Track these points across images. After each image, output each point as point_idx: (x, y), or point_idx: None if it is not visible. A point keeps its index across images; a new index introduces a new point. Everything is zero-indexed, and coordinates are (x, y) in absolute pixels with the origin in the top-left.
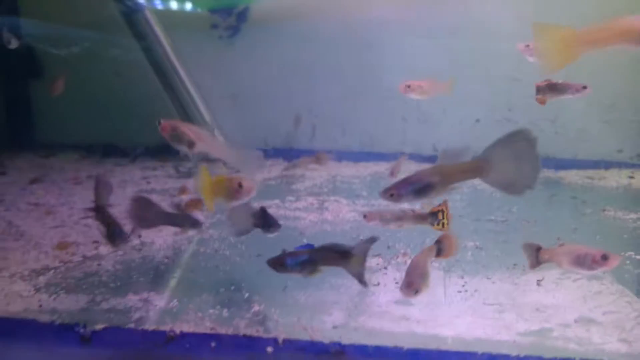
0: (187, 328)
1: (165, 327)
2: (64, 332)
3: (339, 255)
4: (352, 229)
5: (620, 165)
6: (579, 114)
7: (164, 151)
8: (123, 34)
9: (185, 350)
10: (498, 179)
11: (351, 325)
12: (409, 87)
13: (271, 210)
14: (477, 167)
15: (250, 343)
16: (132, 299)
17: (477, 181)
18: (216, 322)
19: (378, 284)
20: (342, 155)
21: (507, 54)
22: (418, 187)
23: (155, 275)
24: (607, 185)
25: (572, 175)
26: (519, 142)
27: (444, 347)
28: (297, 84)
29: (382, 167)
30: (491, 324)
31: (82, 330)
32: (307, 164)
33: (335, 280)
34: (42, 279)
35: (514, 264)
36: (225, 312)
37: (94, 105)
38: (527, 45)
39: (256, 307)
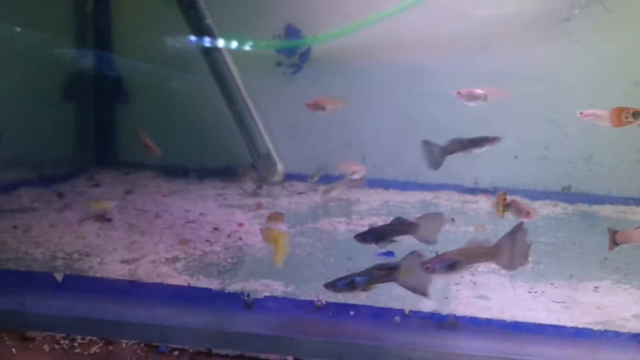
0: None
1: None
2: (230, 299)
3: (387, 272)
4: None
5: None
6: (612, 153)
7: (227, 173)
8: (200, 68)
9: (329, 317)
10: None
11: (444, 311)
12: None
13: (342, 226)
14: (491, 253)
15: (382, 312)
16: (254, 284)
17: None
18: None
19: (459, 283)
20: (389, 184)
21: (546, 96)
22: (448, 264)
23: (265, 268)
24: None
25: (606, 210)
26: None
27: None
28: (350, 117)
29: (427, 196)
30: (562, 316)
31: (246, 298)
32: (344, 187)
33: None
34: (179, 265)
35: (571, 275)
36: (340, 297)
37: (171, 131)
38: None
39: (363, 295)
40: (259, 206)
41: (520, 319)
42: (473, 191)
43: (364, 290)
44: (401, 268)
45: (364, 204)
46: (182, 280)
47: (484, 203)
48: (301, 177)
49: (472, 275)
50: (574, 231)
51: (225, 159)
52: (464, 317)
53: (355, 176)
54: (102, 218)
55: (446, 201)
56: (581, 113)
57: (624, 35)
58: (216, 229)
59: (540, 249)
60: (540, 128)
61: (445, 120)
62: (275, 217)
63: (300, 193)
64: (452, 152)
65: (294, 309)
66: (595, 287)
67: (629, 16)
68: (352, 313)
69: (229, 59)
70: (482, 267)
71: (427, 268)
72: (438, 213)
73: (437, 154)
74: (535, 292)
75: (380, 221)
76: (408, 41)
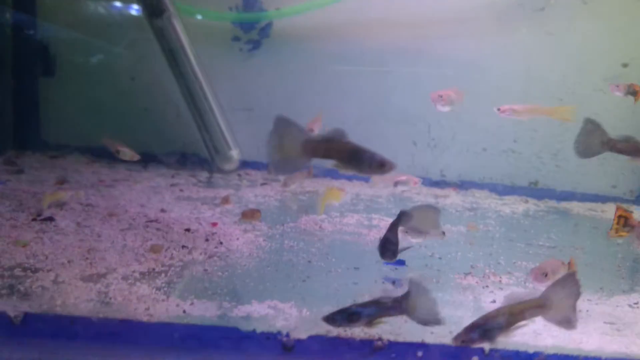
0: (378, 336)
1: (370, 337)
2: (265, 340)
3: (395, 303)
4: (419, 247)
5: (615, 200)
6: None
7: (175, 159)
8: (145, 39)
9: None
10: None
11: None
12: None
13: (327, 225)
14: (540, 306)
15: (457, 352)
16: (260, 307)
17: (498, 206)
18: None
19: (494, 301)
20: (353, 176)
21: (515, 90)
22: (485, 329)
23: (267, 283)
24: (612, 217)
25: (575, 207)
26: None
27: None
28: (311, 102)
29: (397, 189)
30: (619, 341)
31: (284, 339)
32: (302, 179)
33: (442, 295)
34: (159, 282)
35: (600, 288)
36: (406, 334)
37: (106, 108)
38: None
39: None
40: (225, 200)
41: (585, 349)
42: (440, 184)
43: (368, 325)
44: (411, 298)
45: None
46: (172, 304)
47: (455, 197)
48: (257, 165)
49: (501, 289)
50: (564, 233)
51: (172, 143)
52: (558, 356)
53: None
54: (40, 217)
55: (417, 195)
56: (498, 109)
57: (598, 27)
58: (188, 230)
59: (546, 253)
60: (509, 121)
61: (414, 108)
62: (251, 214)
63: (262, 184)
64: None
65: (346, 350)
66: (635, 304)
67: (604, 8)
68: (419, 354)
69: (180, 30)
70: (504, 279)
71: (463, 342)
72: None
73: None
74: (579, 310)
75: (364, 219)
76: (377, 21)
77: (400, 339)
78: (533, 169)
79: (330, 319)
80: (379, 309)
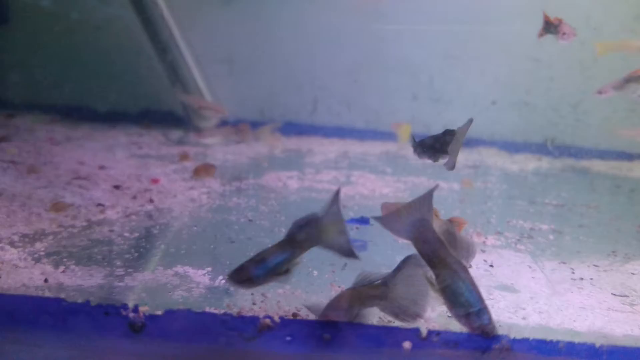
0: (267, 314)
1: (253, 312)
2: (103, 316)
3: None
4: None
5: None
6: (603, 101)
7: (147, 117)
8: None
9: (286, 343)
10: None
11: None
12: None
13: (294, 182)
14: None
15: (378, 336)
16: (164, 274)
17: (505, 164)
18: (292, 306)
19: (470, 265)
20: (346, 133)
21: (529, 34)
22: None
23: (184, 245)
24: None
25: (597, 165)
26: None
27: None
28: (299, 51)
29: (390, 146)
30: (631, 318)
31: (131, 315)
32: (227, 135)
33: None
34: (39, 246)
35: (613, 251)
36: (298, 292)
37: (70, 62)
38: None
39: (335, 288)
40: (184, 157)
41: (586, 331)
42: None
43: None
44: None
45: (318, 155)
46: (35, 272)
47: (459, 155)
48: (238, 123)
49: (483, 251)
50: (578, 191)
51: (144, 100)
52: (524, 342)
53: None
54: None
55: (414, 154)
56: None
57: None
58: (117, 187)
59: (551, 212)
60: (522, 69)
61: (414, 59)
62: (203, 169)
63: (239, 142)
64: None
65: (222, 331)
66: None
67: None
68: (327, 337)
69: None
70: (491, 240)
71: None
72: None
73: None
74: (581, 278)
75: (341, 176)
76: None
77: (294, 317)
78: (549, 123)
79: (240, 277)
80: (290, 249)
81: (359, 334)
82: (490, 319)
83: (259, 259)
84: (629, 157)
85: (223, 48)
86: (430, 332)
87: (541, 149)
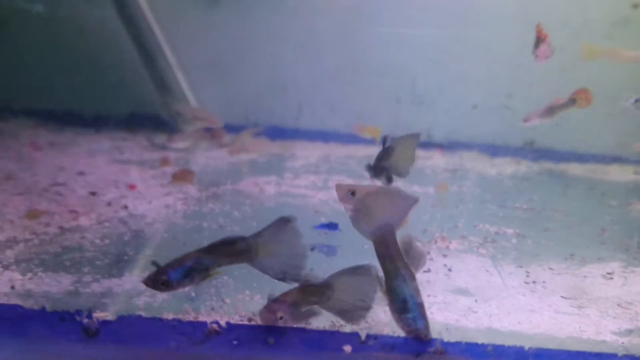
0: (224, 319)
1: (204, 318)
2: (58, 322)
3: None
4: None
5: (621, 161)
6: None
7: (132, 121)
8: None
9: (232, 347)
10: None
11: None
12: None
13: (271, 187)
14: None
15: (321, 339)
16: (130, 280)
17: (484, 168)
18: (249, 311)
19: (429, 270)
20: (330, 136)
21: (510, 38)
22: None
23: (154, 252)
24: (615, 179)
25: (574, 168)
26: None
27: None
28: (283, 55)
29: (373, 150)
30: (577, 321)
31: (85, 321)
32: (200, 139)
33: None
34: (9, 253)
35: (571, 254)
36: (257, 298)
37: (54, 66)
38: None
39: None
40: (164, 162)
41: (530, 333)
42: (425, 145)
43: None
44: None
45: (300, 160)
46: (3, 279)
47: (439, 159)
48: (225, 127)
49: (444, 256)
50: (550, 194)
51: (129, 104)
52: (457, 345)
53: None
54: None
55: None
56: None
57: None
58: (93, 193)
59: (519, 216)
60: (503, 73)
61: (397, 62)
62: (182, 176)
63: (223, 146)
64: None
65: (172, 336)
66: (608, 274)
67: None
68: (271, 341)
69: None
70: (454, 244)
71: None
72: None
73: None
74: (534, 282)
75: (318, 180)
76: None
77: (249, 322)
78: (529, 127)
79: (157, 280)
80: (210, 257)
81: (302, 337)
82: (426, 325)
83: (176, 263)
84: (605, 160)
85: (207, 52)
86: (368, 336)
87: (521, 152)
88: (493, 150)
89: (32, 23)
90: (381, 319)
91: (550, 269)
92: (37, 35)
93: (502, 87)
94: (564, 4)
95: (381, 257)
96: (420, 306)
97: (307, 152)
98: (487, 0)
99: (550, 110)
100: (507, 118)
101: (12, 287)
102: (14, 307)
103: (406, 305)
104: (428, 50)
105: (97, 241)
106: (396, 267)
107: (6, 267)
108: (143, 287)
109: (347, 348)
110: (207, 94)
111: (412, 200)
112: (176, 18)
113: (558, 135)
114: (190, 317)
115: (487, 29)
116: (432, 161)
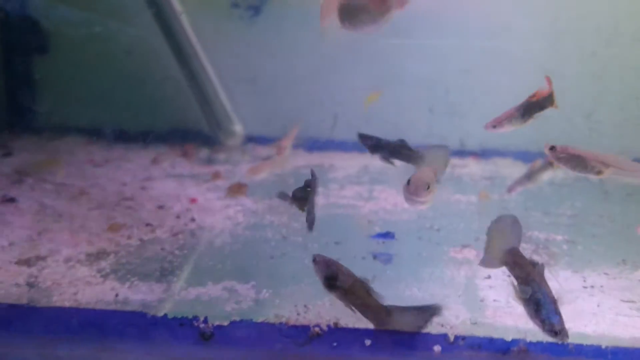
0: (316, 322)
1: (307, 322)
2: (177, 327)
3: None
4: (420, 218)
5: None
6: (615, 109)
7: (175, 136)
8: (137, 9)
9: (333, 349)
10: None
11: (484, 321)
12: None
13: (319, 198)
14: None
15: (413, 340)
16: (214, 289)
17: (520, 175)
18: (330, 315)
19: (489, 277)
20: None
21: (543, 45)
22: None
23: (228, 261)
24: None
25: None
26: None
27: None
28: (319, 70)
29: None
30: (638, 323)
31: (202, 325)
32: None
33: (431, 271)
34: (104, 264)
35: (623, 260)
36: (328, 304)
37: (103, 86)
38: None
39: None
40: (216, 176)
41: (596, 334)
42: (460, 154)
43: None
44: None
45: (339, 171)
46: (106, 288)
47: (474, 167)
48: (264, 140)
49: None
50: (591, 200)
51: (173, 119)
52: (538, 344)
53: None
54: (2, 198)
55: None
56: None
57: None
58: (161, 207)
59: (565, 222)
60: (536, 80)
61: (430, 74)
62: (237, 189)
63: (265, 159)
64: None
65: (278, 339)
66: None
67: None
68: (367, 342)
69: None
70: None
71: None
72: (444, 146)
73: None
74: (592, 286)
75: (363, 191)
76: None
77: (342, 324)
78: (563, 133)
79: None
80: None
81: (395, 339)
82: (560, 320)
83: None
84: None
85: (246, 68)
86: (456, 337)
87: None
88: (528, 156)
89: (82, 48)
90: (452, 321)
91: (605, 274)
92: (86, 59)
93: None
94: (595, 10)
95: (513, 271)
96: (553, 302)
97: (345, 163)
98: (517, 13)
99: (521, 111)
100: (541, 125)
101: (117, 295)
102: (140, 314)
103: (540, 305)
104: (461, 61)
105: (177, 252)
106: (528, 273)
107: (105, 277)
108: (227, 294)
109: (437, 348)
110: (248, 108)
111: (515, 220)
112: (216, 37)
113: (592, 140)
114: (293, 321)
115: (517, 40)
116: (468, 169)
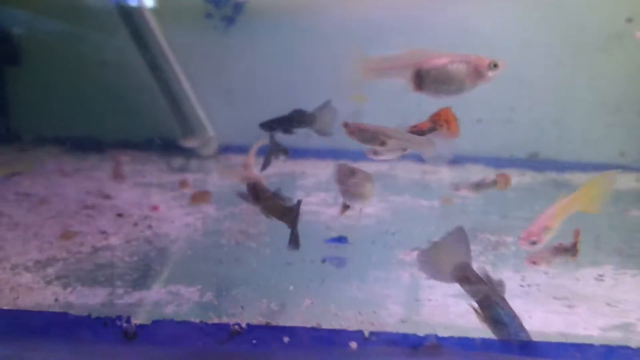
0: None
1: (226, 320)
2: (101, 327)
3: None
4: (379, 223)
5: (623, 168)
6: (582, 116)
7: (148, 146)
8: (110, 19)
9: (253, 346)
10: None
11: (415, 319)
12: None
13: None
14: None
15: (330, 337)
16: (159, 292)
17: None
18: (267, 316)
19: None
20: (340, 154)
21: (511, 54)
22: None
23: (178, 266)
24: (616, 187)
25: (578, 178)
26: None
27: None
28: (295, 80)
29: (382, 166)
30: (566, 319)
31: (125, 325)
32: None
33: (378, 273)
34: (50, 271)
35: (566, 260)
36: (273, 306)
37: (77, 96)
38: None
39: (307, 301)
40: (183, 184)
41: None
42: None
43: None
44: None
45: (310, 178)
46: (48, 293)
47: (446, 173)
48: (239, 149)
49: None
50: (552, 203)
51: (147, 130)
52: (450, 339)
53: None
54: None
55: (404, 172)
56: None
57: None
58: (120, 215)
59: (519, 225)
60: (506, 88)
61: (403, 86)
62: (200, 196)
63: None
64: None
65: (199, 337)
66: (599, 276)
67: None
68: (285, 339)
69: (147, 11)
70: None
71: None
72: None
73: None
74: (528, 285)
75: (329, 197)
76: None
77: (264, 322)
78: (533, 139)
79: None
80: None
81: (313, 335)
82: (527, 334)
83: None
84: (609, 168)
85: (221, 79)
86: (371, 333)
87: (526, 163)
88: (499, 162)
89: (55, 59)
90: (385, 320)
91: (545, 273)
92: (60, 70)
93: (506, 102)
94: (561, 19)
95: (470, 291)
96: (516, 320)
97: (317, 171)
98: (487, 20)
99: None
100: (511, 131)
101: (56, 300)
102: (63, 314)
103: (505, 325)
104: None
105: (127, 258)
106: (487, 295)
107: (49, 283)
108: (170, 297)
109: (353, 344)
110: (224, 118)
111: (462, 231)
112: (190, 47)
113: (561, 146)
114: (215, 320)
115: (488, 47)
116: (439, 175)
